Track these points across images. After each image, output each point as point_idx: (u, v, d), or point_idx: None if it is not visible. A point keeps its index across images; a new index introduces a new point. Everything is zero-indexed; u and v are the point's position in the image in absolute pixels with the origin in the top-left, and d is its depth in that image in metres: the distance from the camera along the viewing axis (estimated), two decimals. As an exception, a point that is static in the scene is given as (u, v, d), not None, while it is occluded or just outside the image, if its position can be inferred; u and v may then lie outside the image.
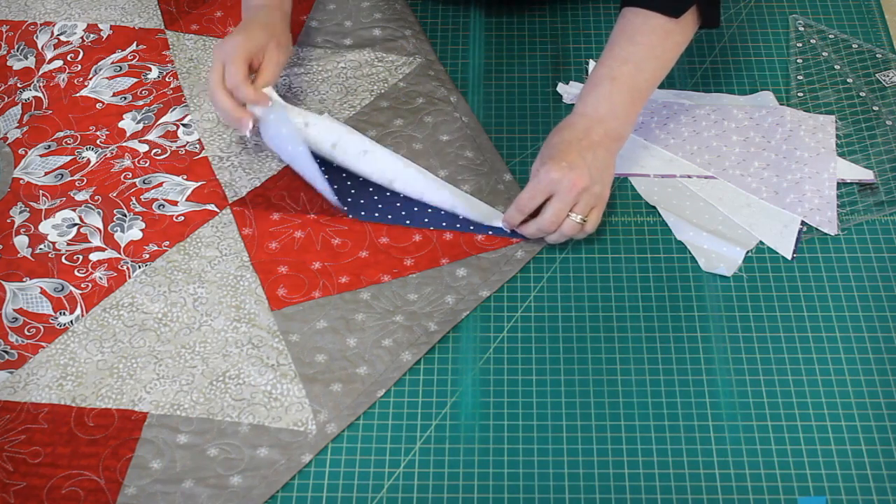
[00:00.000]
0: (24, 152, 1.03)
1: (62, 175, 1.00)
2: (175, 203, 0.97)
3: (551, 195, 0.87)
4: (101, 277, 0.92)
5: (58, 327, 0.89)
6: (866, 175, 0.97)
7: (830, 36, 1.09)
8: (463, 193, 0.95)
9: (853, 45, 1.08)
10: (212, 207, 0.97)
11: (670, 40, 0.91)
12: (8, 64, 1.11)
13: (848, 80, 1.05)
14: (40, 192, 0.99)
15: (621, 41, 0.91)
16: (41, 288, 0.92)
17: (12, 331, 0.89)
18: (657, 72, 0.91)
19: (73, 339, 0.88)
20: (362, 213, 0.95)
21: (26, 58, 1.12)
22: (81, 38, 1.13)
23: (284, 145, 0.94)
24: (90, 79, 1.09)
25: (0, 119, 1.06)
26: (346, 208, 0.94)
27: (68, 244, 0.95)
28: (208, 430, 0.82)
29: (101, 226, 0.96)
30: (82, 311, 0.90)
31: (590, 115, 0.89)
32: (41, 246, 0.95)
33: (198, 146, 1.02)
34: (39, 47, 1.13)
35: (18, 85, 1.09)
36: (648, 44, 0.90)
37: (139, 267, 0.93)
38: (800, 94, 1.04)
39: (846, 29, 1.10)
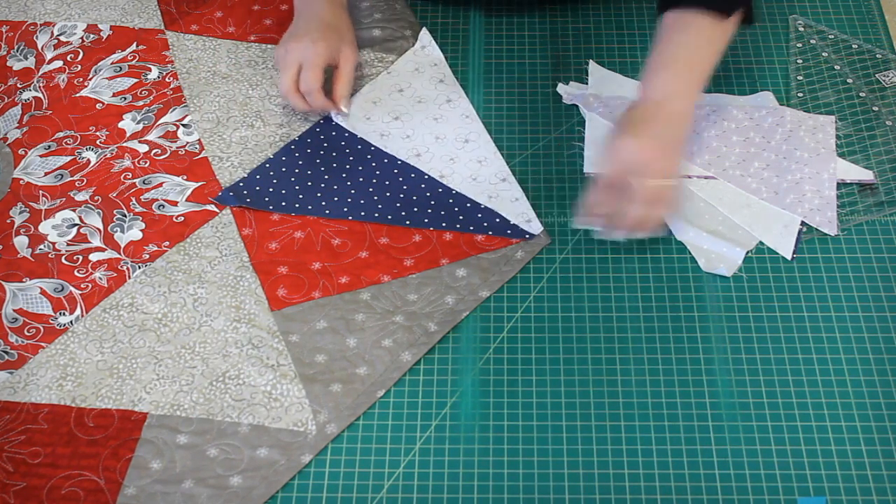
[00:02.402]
0: (24, 152, 1.03)
1: (62, 175, 1.00)
2: (175, 203, 0.97)
3: (628, 169, 0.87)
4: (100, 278, 0.92)
5: (58, 328, 0.89)
6: (866, 175, 0.97)
7: (830, 36, 1.09)
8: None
9: (853, 45, 1.08)
10: (212, 208, 0.97)
11: (718, 29, 0.92)
12: (8, 64, 1.11)
13: (848, 81, 1.05)
14: (40, 192, 0.99)
15: (670, 33, 0.92)
16: (41, 288, 0.92)
17: (12, 331, 0.89)
18: (711, 56, 0.92)
19: (73, 340, 0.88)
20: (362, 214, 0.95)
21: (26, 58, 1.12)
22: (81, 38, 1.13)
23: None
24: (90, 79, 1.09)
25: (0, 119, 1.06)
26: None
27: (68, 244, 0.95)
28: (208, 430, 0.82)
29: (100, 226, 0.96)
30: (82, 311, 0.90)
31: (652, 98, 0.90)
32: (41, 246, 0.95)
33: (198, 146, 1.02)
34: (39, 48, 1.13)
35: (18, 85, 1.09)
36: (697, 30, 0.91)
37: (139, 267, 0.93)
38: (800, 95, 1.04)
39: (846, 29, 1.10)
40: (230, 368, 0.86)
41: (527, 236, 0.93)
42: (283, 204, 0.96)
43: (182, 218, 0.96)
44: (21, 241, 0.95)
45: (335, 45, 1.00)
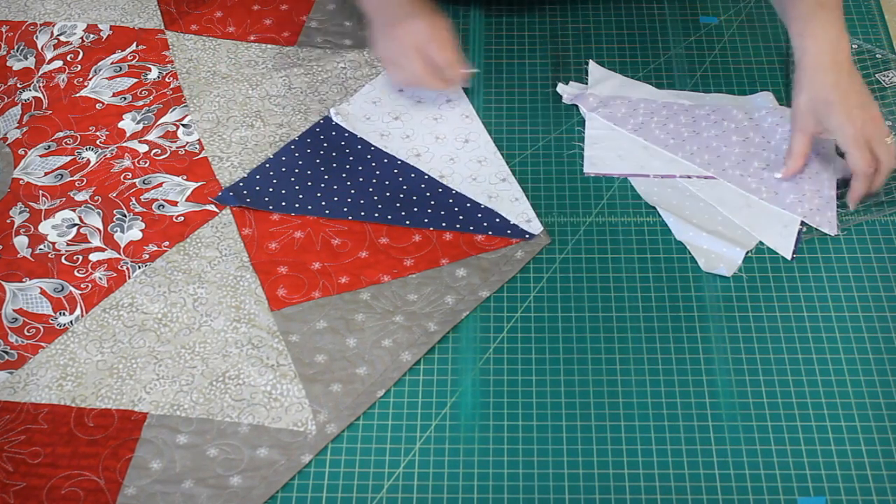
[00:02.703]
0: (23, 152, 1.03)
1: (62, 175, 1.00)
2: (175, 203, 0.97)
3: (870, 144, 0.89)
4: (100, 278, 0.92)
5: (58, 327, 0.89)
6: (866, 175, 0.97)
7: (830, 36, 1.09)
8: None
9: (853, 45, 1.08)
10: (211, 208, 0.97)
11: None
12: (8, 64, 1.11)
13: (848, 80, 1.05)
14: (40, 192, 0.99)
15: None
16: (41, 288, 0.92)
17: (12, 331, 0.89)
18: None
19: (73, 340, 0.88)
20: (362, 214, 0.95)
21: (26, 58, 1.12)
22: (81, 38, 1.13)
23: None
24: (90, 79, 1.09)
25: (0, 119, 1.06)
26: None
27: (68, 244, 0.95)
28: (208, 430, 0.82)
29: (100, 226, 0.96)
30: (82, 311, 0.90)
31: (820, 57, 0.91)
32: (41, 246, 0.95)
33: (197, 146, 1.02)
34: (39, 47, 1.13)
35: (18, 85, 1.09)
36: None
37: (139, 267, 0.93)
38: (800, 94, 1.04)
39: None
40: (230, 368, 0.86)
41: (527, 236, 0.93)
42: (283, 204, 0.96)
43: (182, 218, 0.96)
44: (21, 241, 0.95)
45: (433, 16, 0.99)
